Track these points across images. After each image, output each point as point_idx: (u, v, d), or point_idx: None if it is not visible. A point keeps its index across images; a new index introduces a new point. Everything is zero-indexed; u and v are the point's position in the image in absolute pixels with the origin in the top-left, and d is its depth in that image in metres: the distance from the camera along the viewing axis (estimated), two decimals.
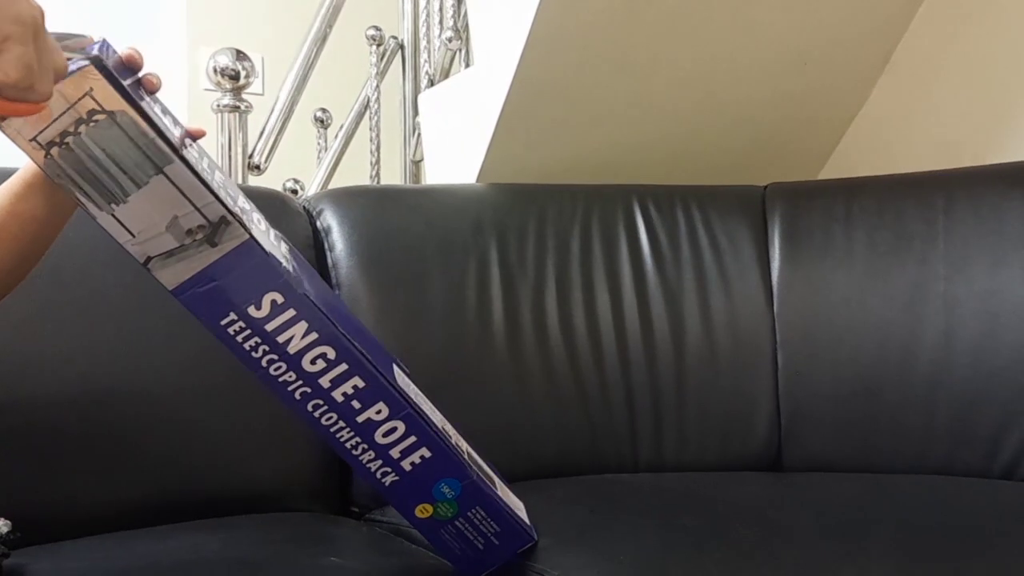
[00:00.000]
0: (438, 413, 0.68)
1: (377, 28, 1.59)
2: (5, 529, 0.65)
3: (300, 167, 1.60)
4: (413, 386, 0.67)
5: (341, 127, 1.64)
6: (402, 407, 0.61)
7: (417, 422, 0.61)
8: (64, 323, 0.80)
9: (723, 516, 0.80)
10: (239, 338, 0.57)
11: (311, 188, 1.59)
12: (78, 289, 0.81)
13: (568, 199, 1.06)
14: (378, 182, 1.63)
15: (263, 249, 0.56)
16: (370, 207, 1.02)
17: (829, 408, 0.98)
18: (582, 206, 1.06)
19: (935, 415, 0.94)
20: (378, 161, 1.62)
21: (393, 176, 1.68)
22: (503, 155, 1.15)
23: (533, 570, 0.69)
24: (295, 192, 1.53)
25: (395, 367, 0.65)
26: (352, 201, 1.01)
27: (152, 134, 0.52)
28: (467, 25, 1.36)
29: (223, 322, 0.56)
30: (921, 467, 0.94)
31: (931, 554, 0.68)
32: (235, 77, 1.34)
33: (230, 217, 0.55)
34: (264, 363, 0.58)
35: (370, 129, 1.60)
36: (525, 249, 1.02)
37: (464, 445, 0.68)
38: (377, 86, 1.61)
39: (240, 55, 1.34)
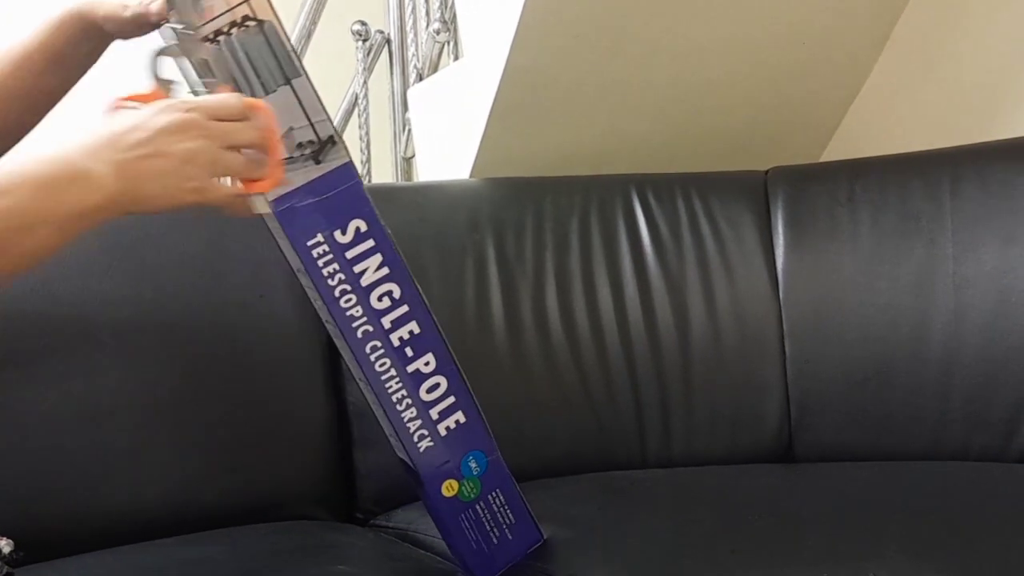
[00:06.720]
0: None
1: (363, 23, 1.57)
2: (7, 549, 0.65)
3: None
4: None
5: None
6: (448, 361, 0.65)
7: (458, 380, 0.65)
8: (59, 337, 0.79)
9: (736, 509, 0.79)
10: (320, 262, 0.60)
11: None
12: (72, 301, 0.80)
13: (565, 191, 1.05)
14: (369, 181, 1.61)
15: (358, 175, 0.62)
16: None
17: (840, 395, 0.96)
18: (579, 198, 1.04)
19: (948, 399, 0.92)
20: (369, 159, 1.60)
21: (385, 174, 1.66)
22: (497, 149, 1.13)
23: (543, 571, 0.68)
24: None
25: None
26: None
27: (290, 47, 0.59)
28: (455, 16, 1.34)
29: (310, 243, 0.60)
30: (936, 453, 0.92)
31: (948, 542, 0.68)
32: None
33: (337, 137, 0.60)
34: (337, 293, 0.61)
35: (359, 127, 1.58)
36: (523, 244, 1.00)
37: None
38: (365, 82, 1.59)
39: None
